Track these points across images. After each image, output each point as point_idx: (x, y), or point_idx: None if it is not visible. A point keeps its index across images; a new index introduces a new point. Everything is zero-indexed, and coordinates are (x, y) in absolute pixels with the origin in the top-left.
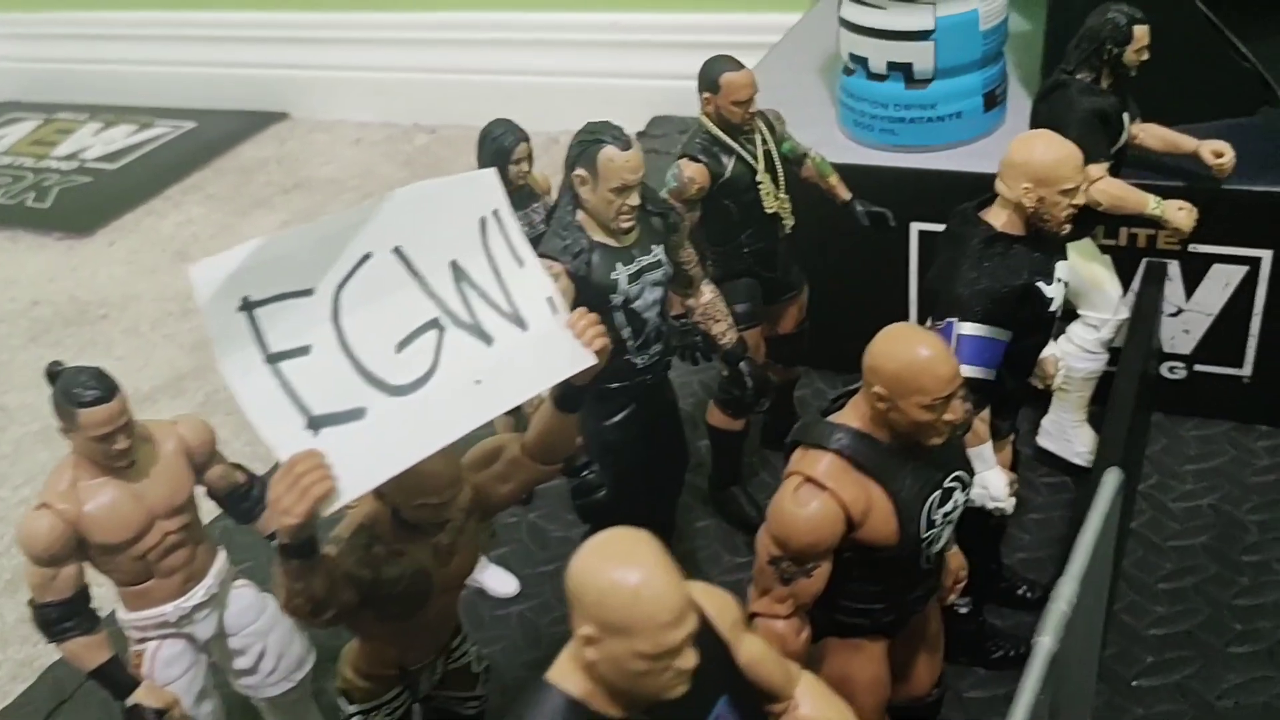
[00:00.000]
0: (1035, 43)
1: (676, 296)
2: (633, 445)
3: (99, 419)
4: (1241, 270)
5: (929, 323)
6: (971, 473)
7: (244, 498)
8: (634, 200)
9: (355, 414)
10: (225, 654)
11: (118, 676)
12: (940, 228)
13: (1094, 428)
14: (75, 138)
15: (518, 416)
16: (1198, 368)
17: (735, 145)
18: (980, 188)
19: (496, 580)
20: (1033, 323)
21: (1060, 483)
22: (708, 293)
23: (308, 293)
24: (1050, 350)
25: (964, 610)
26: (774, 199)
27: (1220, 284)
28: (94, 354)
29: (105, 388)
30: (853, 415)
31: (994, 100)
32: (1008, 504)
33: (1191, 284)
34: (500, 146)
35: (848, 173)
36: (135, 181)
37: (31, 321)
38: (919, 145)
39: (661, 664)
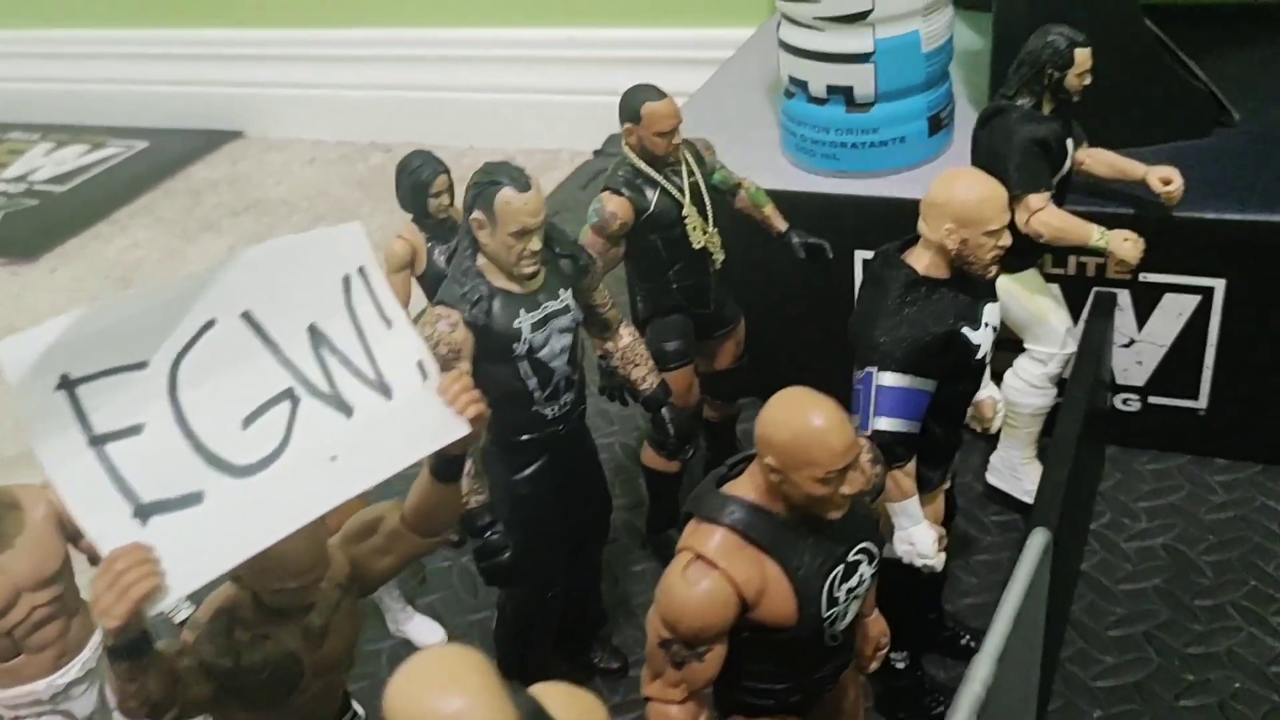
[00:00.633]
0: (986, 61)
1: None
2: (546, 498)
3: None
4: (1194, 300)
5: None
6: (880, 542)
7: None
8: (535, 245)
9: (191, 499)
10: None
11: None
12: None
13: (1045, 463)
14: (26, 159)
15: None
16: (1152, 400)
17: (660, 178)
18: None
19: (422, 630)
20: (959, 370)
21: (1010, 521)
22: (626, 336)
23: (140, 366)
24: (988, 391)
25: (901, 665)
26: (701, 233)
27: (1173, 314)
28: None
29: None
30: (748, 485)
31: (939, 124)
32: (936, 561)
33: (1143, 314)
34: (418, 180)
35: (790, 199)
36: (83, 204)
37: None
38: (862, 171)
39: None
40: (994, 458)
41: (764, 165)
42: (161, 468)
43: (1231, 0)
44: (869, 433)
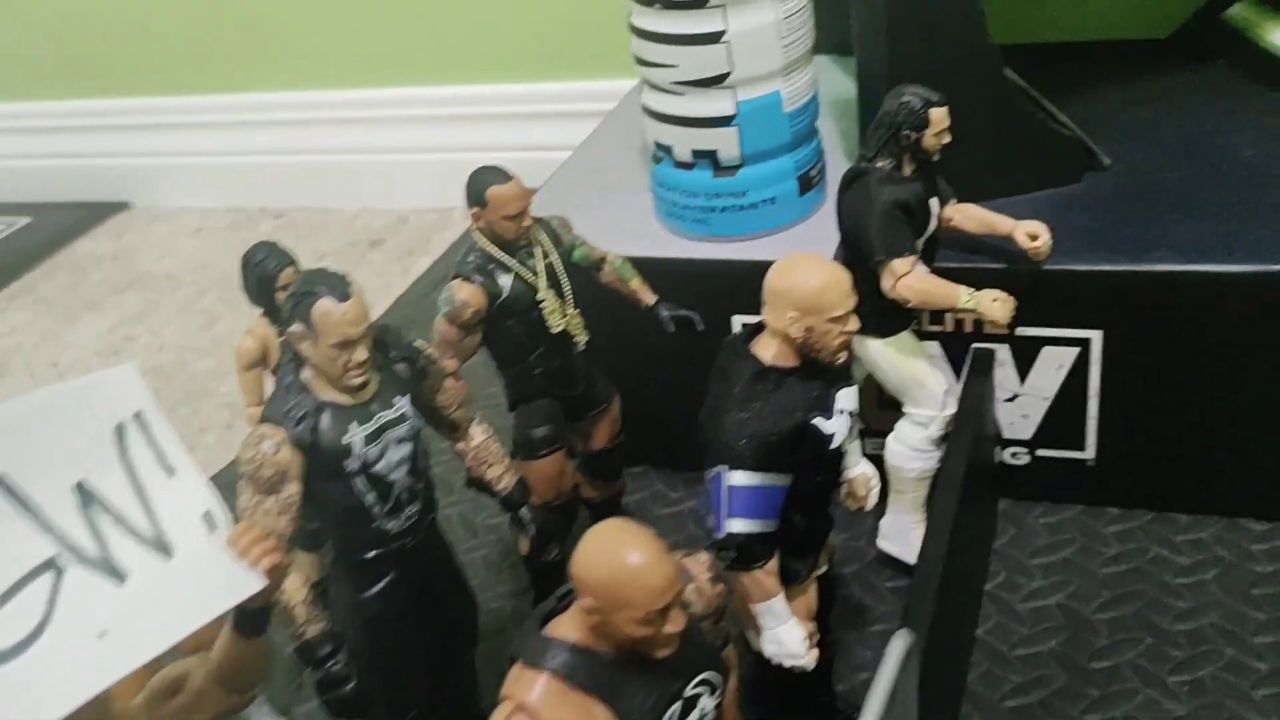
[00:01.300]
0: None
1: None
2: (399, 616)
3: None
4: (1073, 351)
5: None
6: (725, 671)
7: None
8: (360, 355)
9: None
10: None
11: None
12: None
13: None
14: None
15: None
16: (1040, 452)
17: (512, 262)
18: None
19: None
20: (815, 461)
21: (905, 586)
22: (478, 435)
23: None
24: (860, 468)
25: None
26: (559, 316)
27: (1053, 366)
28: None
29: None
30: (572, 625)
31: (810, 182)
32: (806, 660)
33: (1024, 368)
34: (264, 272)
35: (663, 267)
36: None
37: None
38: (735, 234)
39: None
40: (883, 523)
41: (638, 232)
42: None
43: (1093, 38)
44: (723, 535)
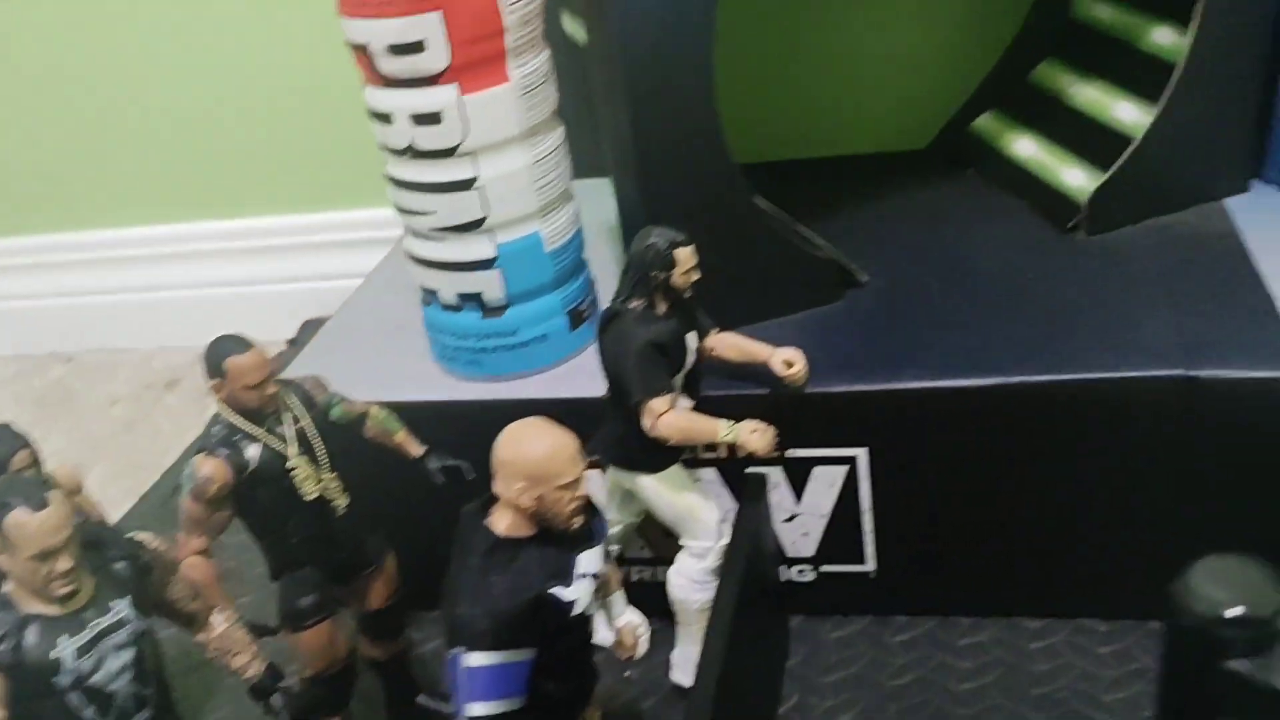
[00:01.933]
0: None
1: None
2: None
3: None
4: (842, 470)
5: None
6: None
7: None
8: (64, 564)
9: None
10: None
11: None
12: None
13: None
14: None
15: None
16: (824, 568)
17: (259, 431)
18: (573, 411)
19: None
20: (560, 629)
21: None
22: (219, 624)
23: None
24: (626, 617)
25: None
26: (314, 483)
27: (825, 485)
28: None
29: None
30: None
31: (580, 317)
32: None
33: (798, 487)
34: None
35: (438, 410)
36: None
37: None
38: (508, 373)
39: None
40: (674, 655)
41: (414, 375)
42: None
43: (843, 153)
44: (465, 719)
